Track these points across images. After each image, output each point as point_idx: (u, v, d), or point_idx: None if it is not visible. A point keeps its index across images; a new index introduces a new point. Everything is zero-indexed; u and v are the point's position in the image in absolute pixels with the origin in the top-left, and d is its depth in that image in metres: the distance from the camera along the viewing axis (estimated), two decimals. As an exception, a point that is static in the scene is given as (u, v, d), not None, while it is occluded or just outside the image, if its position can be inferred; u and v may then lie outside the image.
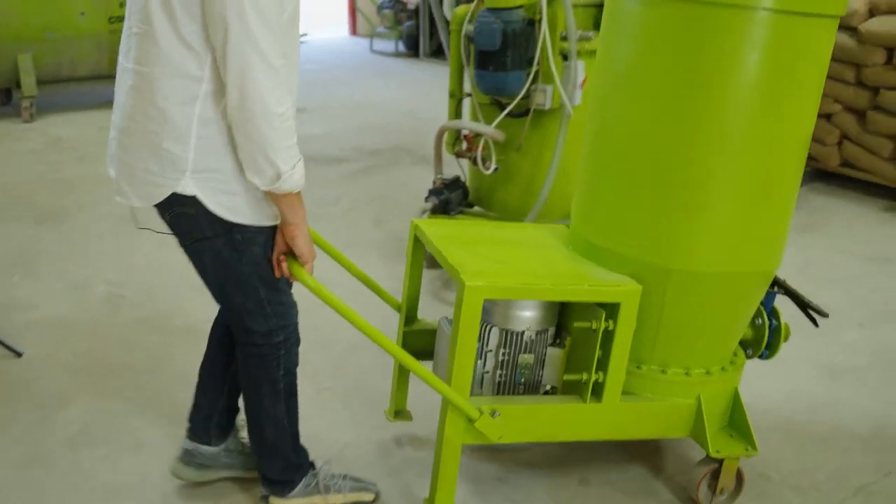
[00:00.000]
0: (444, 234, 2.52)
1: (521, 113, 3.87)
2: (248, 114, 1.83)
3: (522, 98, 3.80)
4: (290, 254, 2.07)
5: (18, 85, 7.20)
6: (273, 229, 2.06)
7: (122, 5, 7.42)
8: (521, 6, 3.68)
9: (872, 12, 5.25)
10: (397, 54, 11.32)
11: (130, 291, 3.93)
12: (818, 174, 5.69)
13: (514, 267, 2.36)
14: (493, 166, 3.95)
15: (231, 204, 1.99)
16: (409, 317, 2.68)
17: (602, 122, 2.47)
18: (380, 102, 8.33)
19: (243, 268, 2.08)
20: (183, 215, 2.02)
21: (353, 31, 13.08)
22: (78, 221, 4.89)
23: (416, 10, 11.14)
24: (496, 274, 2.23)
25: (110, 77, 7.68)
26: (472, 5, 3.87)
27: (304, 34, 12.32)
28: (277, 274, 2.09)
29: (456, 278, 2.19)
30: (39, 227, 4.77)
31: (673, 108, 2.26)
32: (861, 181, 5.49)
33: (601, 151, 2.47)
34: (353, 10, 12.83)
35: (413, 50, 11.20)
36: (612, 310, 2.28)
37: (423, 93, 8.63)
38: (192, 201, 1.98)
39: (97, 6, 7.33)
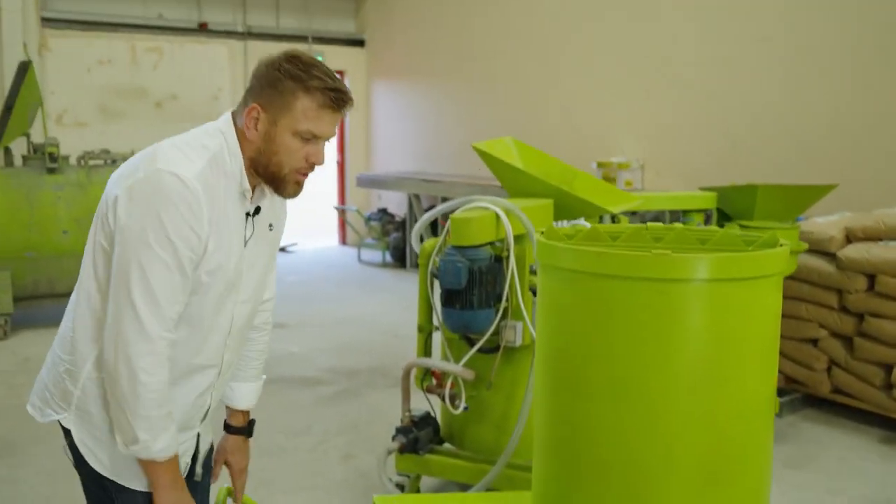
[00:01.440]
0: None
1: (492, 349, 3.71)
2: (116, 374, 1.90)
3: (492, 334, 3.66)
4: None
5: (-9, 299, 7.11)
6: (144, 496, 2.06)
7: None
8: (487, 243, 3.61)
9: (849, 238, 5.23)
10: (384, 265, 11.37)
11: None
12: (809, 400, 5.48)
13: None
14: (462, 405, 3.75)
15: (97, 451, 2.05)
16: None
17: (549, 406, 2.31)
18: (361, 318, 8.23)
19: None
20: (69, 446, 2.11)
21: (343, 240, 13.24)
22: (29, 456, 4.61)
23: (403, 223, 11.29)
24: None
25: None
26: (440, 240, 3.80)
27: (294, 244, 12.47)
28: None
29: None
30: (-15, 463, 4.50)
31: (605, 391, 2.11)
32: (855, 409, 5.27)
33: (551, 437, 2.29)
34: (343, 221, 13.04)
35: (400, 261, 11.27)
36: None
37: (405, 307, 8.54)
38: (69, 435, 2.08)
39: (81, 225, 7.36)
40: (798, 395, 5.47)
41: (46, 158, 7.40)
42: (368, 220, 11.70)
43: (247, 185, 2.04)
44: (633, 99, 8.77)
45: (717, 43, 7.91)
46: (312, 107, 1.97)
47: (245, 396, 2.41)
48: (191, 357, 2.06)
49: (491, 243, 3.65)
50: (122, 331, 1.89)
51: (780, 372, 5.46)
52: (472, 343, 3.73)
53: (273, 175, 2.04)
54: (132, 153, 7.69)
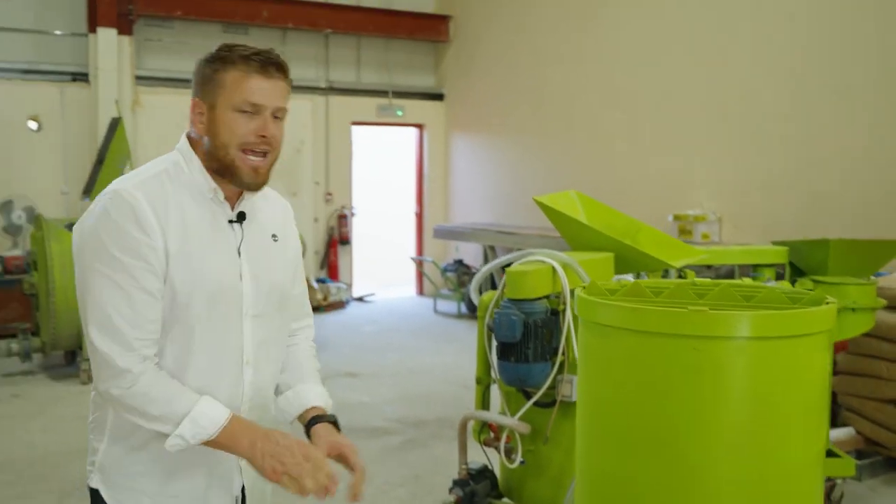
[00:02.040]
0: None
1: (548, 403, 3.68)
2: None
3: (549, 388, 3.63)
4: None
5: (80, 347, 7.39)
6: None
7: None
8: (544, 297, 3.60)
9: (929, 294, 5.04)
10: (459, 316, 11.40)
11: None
12: (891, 463, 5.24)
13: None
14: (518, 459, 3.72)
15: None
16: None
17: (590, 460, 2.30)
18: (433, 368, 8.25)
19: None
20: None
21: (420, 291, 13.34)
22: (101, 498, 4.75)
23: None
24: None
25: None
26: (497, 293, 3.81)
27: (371, 294, 12.62)
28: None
29: None
30: (60, 504, 4.65)
31: (644, 448, 2.08)
32: (940, 473, 5.03)
33: (592, 492, 2.27)
34: (420, 272, 13.15)
35: (475, 312, 11.26)
36: None
37: (479, 358, 8.54)
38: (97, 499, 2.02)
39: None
40: (879, 458, 5.24)
41: (133, 210, 7.70)
42: (444, 271, 11.78)
43: (214, 185, 1.97)
44: (711, 151, 8.68)
45: (799, 95, 7.79)
46: (239, 76, 1.93)
47: (319, 395, 2.19)
48: (199, 380, 1.94)
49: (547, 297, 3.64)
50: (94, 370, 1.90)
51: (858, 433, 5.26)
52: (528, 396, 3.71)
53: (223, 161, 1.95)
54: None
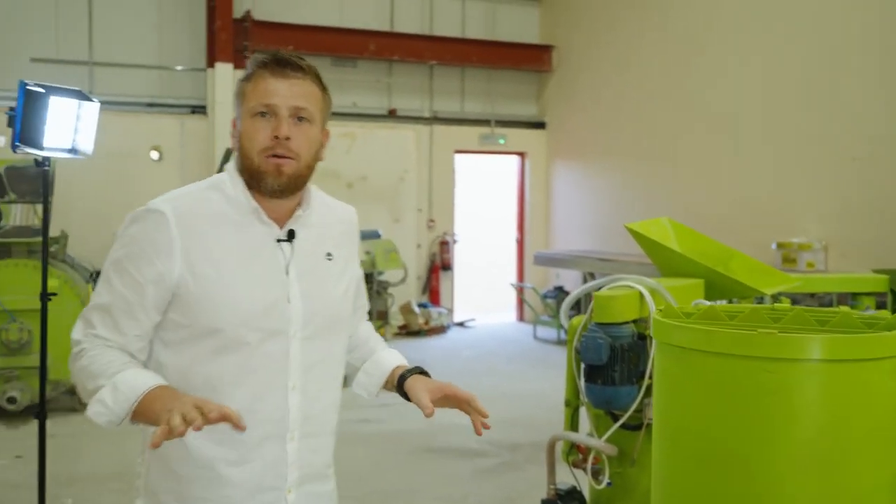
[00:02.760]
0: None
1: (636, 426, 3.74)
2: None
3: (636, 411, 3.69)
4: None
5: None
6: None
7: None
8: (631, 321, 3.68)
9: None
10: (559, 342, 11.42)
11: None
12: None
13: None
14: (605, 481, 3.78)
15: None
16: None
17: (665, 479, 2.38)
18: (530, 393, 8.32)
19: None
20: None
21: (521, 317, 13.42)
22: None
23: (578, 301, 11.33)
24: None
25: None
26: (585, 317, 3.90)
27: (472, 319, 12.78)
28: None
29: None
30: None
31: (716, 468, 2.15)
32: None
33: None
34: (521, 298, 13.25)
35: (575, 339, 11.28)
36: None
37: (576, 385, 8.57)
38: None
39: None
40: None
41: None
42: (544, 297, 11.84)
43: (255, 204, 1.89)
44: (816, 177, 8.52)
45: (905, 120, 7.60)
46: (253, 83, 1.88)
47: (395, 356, 2.17)
48: (236, 404, 1.74)
49: (635, 321, 3.71)
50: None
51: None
52: (615, 419, 3.77)
53: (249, 168, 1.88)
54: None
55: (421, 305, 11.91)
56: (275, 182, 1.86)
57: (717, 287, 4.17)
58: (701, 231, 4.76)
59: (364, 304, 2.24)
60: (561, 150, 12.97)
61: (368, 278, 8.48)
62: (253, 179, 1.88)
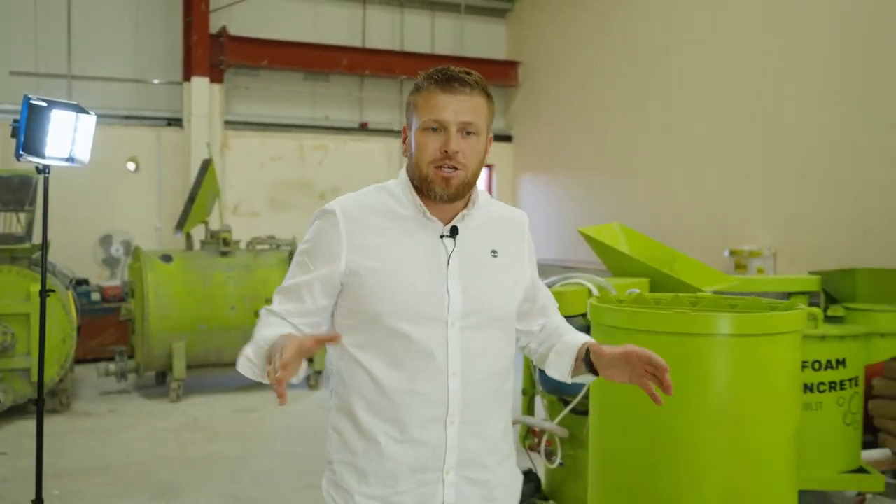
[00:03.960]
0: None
1: (584, 411, 4.11)
2: None
3: (584, 397, 4.06)
4: None
5: (170, 368, 8.06)
6: None
7: (269, 300, 8.36)
8: (580, 314, 4.05)
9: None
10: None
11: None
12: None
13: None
14: (557, 461, 4.15)
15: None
16: None
17: (598, 444, 2.74)
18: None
19: None
20: None
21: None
22: (190, 498, 5.32)
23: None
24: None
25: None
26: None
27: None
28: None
29: None
30: (154, 503, 5.23)
31: (641, 429, 2.51)
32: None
33: (600, 472, 2.71)
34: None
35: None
36: None
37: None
38: None
39: (246, 302, 8.27)
40: (908, 480, 5.47)
41: (220, 243, 8.41)
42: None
43: (419, 202, 2.05)
44: (765, 188, 8.99)
45: (847, 130, 8.07)
46: (425, 97, 2.02)
47: (582, 336, 2.24)
48: (400, 385, 2.00)
49: (584, 315, 4.09)
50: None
51: (894, 454, 5.52)
52: (566, 404, 4.14)
53: (420, 177, 2.03)
54: (294, 240, 8.62)
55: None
56: (443, 192, 2.01)
57: (662, 286, 4.56)
58: (659, 240, 5.16)
59: (548, 301, 2.34)
60: (527, 163, 13.40)
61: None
62: (423, 186, 2.03)
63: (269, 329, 2.00)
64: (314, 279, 2.05)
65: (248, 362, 1.98)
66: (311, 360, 8.46)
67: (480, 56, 13.22)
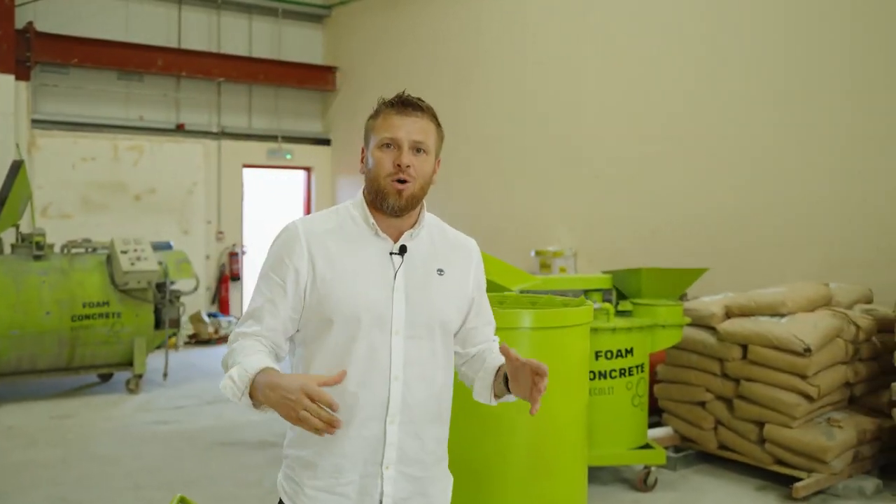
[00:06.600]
0: None
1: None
2: None
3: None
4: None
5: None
6: None
7: (86, 305, 8.23)
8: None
9: (728, 314, 6.13)
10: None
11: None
12: (701, 456, 6.27)
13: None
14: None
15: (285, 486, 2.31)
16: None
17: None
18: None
19: None
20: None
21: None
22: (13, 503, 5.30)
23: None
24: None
25: (68, 370, 8.33)
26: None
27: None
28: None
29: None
30: (-23, 509, 5.18)
31: (468, 407, 2.92)
32: (737, 462, 6.07)
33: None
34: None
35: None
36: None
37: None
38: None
39: (62, 306, 8.11)
40: (692, 452, 6.26)
41: (33, 247, 8.21)
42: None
43: (373, 221, 2.27)
44: (565, 193, 9.79)
45: (635, 142, 8.96)
46: (382, 119, 2.27)
47: (500, 357, 2.37)
48: (349, 387, 2.17)
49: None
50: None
51: (675, 432, 6.29)
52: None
53: (375, 190, 2.26)
54: (111, 242, 8.52)
55: (211, 315, 12.20)
56: (396, 202, 2.24)
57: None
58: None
59: (486, 322, 2.50)
60: (344, 166, 13.71)
61: (161, 287, 8.79)
62: (377, 199, 2.26)
63: (257, 356, 2.15)
64: (283, 291, 2.23)
65: (233, 385, 2.09)
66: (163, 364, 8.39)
67: (298, 60, 13.41)
